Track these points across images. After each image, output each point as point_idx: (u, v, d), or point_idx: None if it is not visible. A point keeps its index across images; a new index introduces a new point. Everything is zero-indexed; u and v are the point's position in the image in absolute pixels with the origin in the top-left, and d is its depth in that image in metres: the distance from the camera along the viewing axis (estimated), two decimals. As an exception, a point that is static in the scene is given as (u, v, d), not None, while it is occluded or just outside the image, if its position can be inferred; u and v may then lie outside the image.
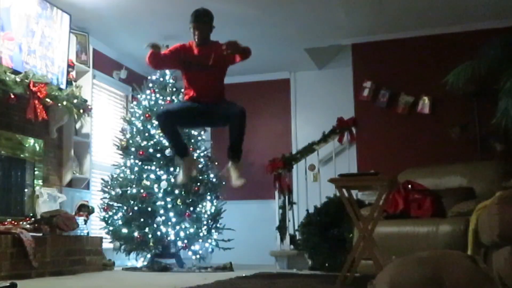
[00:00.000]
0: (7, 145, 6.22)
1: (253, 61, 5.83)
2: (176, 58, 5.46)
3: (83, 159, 7.53)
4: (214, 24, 5.59)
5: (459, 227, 4.96)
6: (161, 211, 7.03)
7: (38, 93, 6.20)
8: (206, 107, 5.34)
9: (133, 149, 7.37)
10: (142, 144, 7.33)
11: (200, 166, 7.32)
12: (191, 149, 7.24)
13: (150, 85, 7.73)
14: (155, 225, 7.03)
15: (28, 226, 5.79)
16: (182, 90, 5.97)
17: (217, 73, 5.50)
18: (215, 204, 7.48)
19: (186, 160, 5.42)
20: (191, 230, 7.13)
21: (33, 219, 6.07)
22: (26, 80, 6.07)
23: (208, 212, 7.38)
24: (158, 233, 7.02)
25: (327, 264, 6.72)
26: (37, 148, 6.67)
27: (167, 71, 7.75)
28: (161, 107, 5.85)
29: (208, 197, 7.42)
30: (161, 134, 7.28)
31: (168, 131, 5.37)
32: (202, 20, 5.52)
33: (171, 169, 7.21)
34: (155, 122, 7.38)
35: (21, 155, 6.46)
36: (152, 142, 7.32)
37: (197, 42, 5.47)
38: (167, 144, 7.24)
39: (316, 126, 8.54)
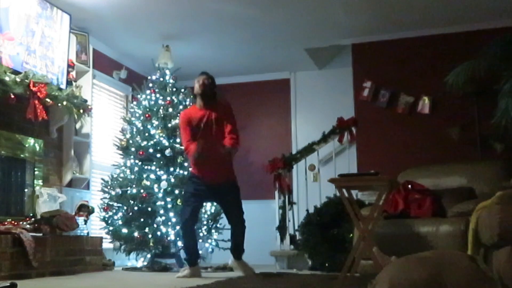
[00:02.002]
0: (7, 145, 6.22)
1: (253, 61, 5.86)
2: (191, 125, 5.90)
3: (83, 159, 7.53)
4: (216, 25, 5.64)
5: (459, 227, 4.96)
6: (161, 211, 7.03)
7: (38, 93, 6.19)
8: (214, 189, 5.87)
9: (133, 149, 7.36)
10: (142, 144, 7.32)
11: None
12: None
13: (150, 85, 7.73)
14: (155, 225, 7.03)
15: (28, 226, 5.79)
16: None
17: (222, 132, 5.89)
18: (215, 204, 7.47)
19: (193, 269, 5.89)
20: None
21: (33, 219, 6.07)
22: (26, 80, 6.07)
23: (208, 212, 7.38)
24: (158, 233, 7.02)
25: (327, 264, 6.71)
26: (37, 148, 6.67)
27: (167, 72, 7.75)
28: (182, 216, 6.08)
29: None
30: (161, 134, 7.29)
31: (190, 237, 5.97)
32: (207, 74, 6.00)
33: (171, 169, 7.21)
34: (155, 122, 7.39)
35: (21, 155, 6.46)
36: (152, 142, 7.31)
37: (202, 95, 5.90)
38: (167, 144, 7.25)
39: (316, 126, 8.54)
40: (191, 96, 7.47)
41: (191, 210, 5.88)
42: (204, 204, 7.14)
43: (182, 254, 7.40)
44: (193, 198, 5.91)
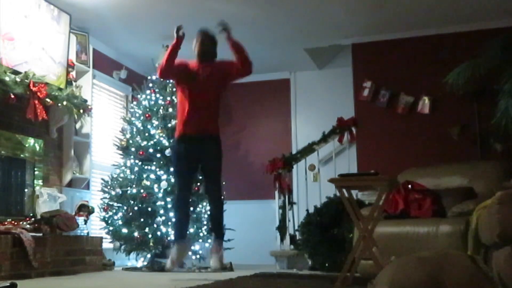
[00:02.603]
0: (7, 145, 6.22)
1: (253, 61, 5.83)
2: (181, 71, 5.65)
3: (83, 159, 7.53)
4: (216, 25, 5.62)
5: (459, 227, 4.95)
6: (161, 211, 7.03)
7: (38, 93, 6.19)
8: (197, 148, 5.57)
9: (133, 149, 7.36)
10: (142, 144, 7.33)
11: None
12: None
13: (150, 85, 7.73)
14: (155, 225, 7.03)
15: (28, 226, 5.79)
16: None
17: (215, 95, 5.72)
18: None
19: (181, 244, 5.62)
20: (191, 230, 7.12)
21: (33, 219, 6.06)
22: (26, 80, 6.07)
23: (208, 212, 7.37)
24: (158, 233, 7.02)
25: (327, 264, 6.72)
26: (37, 148, 6.67)
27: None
28: (175, 192, 5.93)
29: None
30: (161, 134, 7.29)
31: (183, 212, 5.72)
32: (208, 33, 5.75)
33: (171, 169, 7.21)
34: (155, 122, 7.39)
35: (21, 155, 6.46)
36: (152, 142, 7.31)
37: (199, 57, 5.67)
38: (167, 144, 7.25)
39: (316, 126, 8.55)
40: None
41: (183, 180, 5.72)
42: (200, 206, 7.13)
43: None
44: (184, 166, 5.69)
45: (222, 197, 5.88)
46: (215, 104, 5.74)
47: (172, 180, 7.07)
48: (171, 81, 7.72)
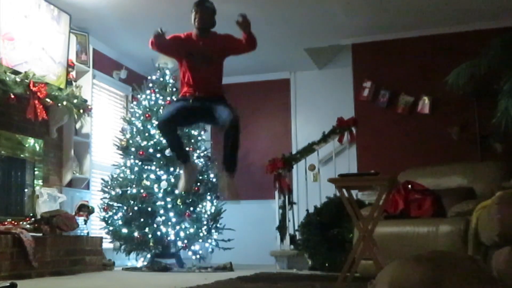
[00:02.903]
0: (7, 145, 6.22)
1: (253, 61, 5.84)
2: (176, 46, 5.40)
3: (83, 159, 7.53)
4: (216, 25, 5.53)
5: (459, 227, 4.96)
6: (161, 211, 7.03)
7: (38, 93, 6.20)
8: (202, 104, 5.27)
9: (133, 149, 7.36)
10: (142, 144, 7.33)
11: (200, 166, 7.31)
12: (190, 149, 7.25)
13: (150, 85, 7.73)
14: (155, 225, 7.03)
15: (28, 226, 5.80)
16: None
17: (216, 65, 5.44)
18: (215, 204, 7.48)
19: (188, 166, 5.36)
20: (191, 230, 7.13)
21: (33, 219, 6.07)
22: (26, 80, 6.07)
23: (208, 212, 7.38)
24: (158, 233, 7.02)
25: (327, 264, 6.72)
26: (37, 148, 6.67)
27: (167, 72, 7.75)
28: (160, 116, 5.68)
29: (208, 197, 7.42)
30: (161, 135, 7.29)
31: (169, 138, 5.36)
32: (205, 5, 5.47)
33: (171, 169, 7.21)
34: (155, 122, 7.39)
35: (21, 155, 6.46)
36: (152, 142, 7.32)
37: (198, 29, 5.38)
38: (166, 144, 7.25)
39: (316, 126, 8.55)
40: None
41: (172, 110, 5.34)
42: (200, 206, 7.09)
43: (182, 254, 7.42)
44: (178, 105, 5.35)
45: (239, 129, 5.26)
46: (218, 74, 5.47)
47: (172, 180, 7.07)
48: (171, 81, 7.73)
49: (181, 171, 5.45)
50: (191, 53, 5.36)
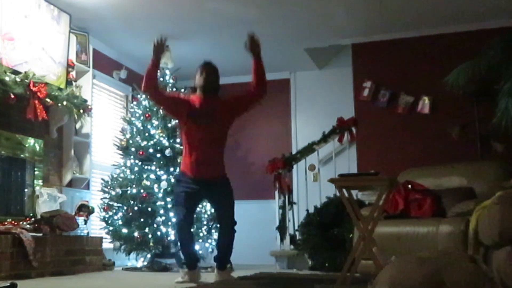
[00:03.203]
0: (7, 145, 6.22)
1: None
2: (176, 103, 5.40)
3: (83, 159, 7.54)
4: (216, 25, 5.52)
5: (459, 227, 4.95)
6: (161, 211, 7.03)
7: (38, 93, 6.20)
8: (206, 186, 5.28)
9: (133, 149, 7.36)
10: (142, 144, 7.32)
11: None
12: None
13: (150, 85, 7.71)
14: (155, 225, 7.03)
15: (28, 226, 5.80)
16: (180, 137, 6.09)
17: (220, 128, 5.38)
18: (214, 204, 7.47)
19: (193, 273, 5.38)
20: (191, 230, 7.12)
21: (33, 219, 6.07)
22: (26, 80, 6.08)
23: (208, 212, 7.38)
24: (158, 233, 7.02)
25: (327, 264, 6.72)
26: (37, 148, 6.67)
27: (167, 72, 7.75)
28: (176, 218, 5.58)
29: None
30: (161, 134, 7.29)
31: (185, 241, 5.42)
32: (212, 66, 5.50)
33: (171, 169, 7.21)
34: (155, 122, 7.39)
35: (21, 155, 6.45)
36: (152, 142, 7.31)
37: (204, 87, 5.36)
38: (167, 144, 7.25)
39: (316, 126, 8.54)
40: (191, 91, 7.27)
41: (185, 210, 5.30)
42: (200, 206, 7.07)
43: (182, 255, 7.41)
44: (186, 198, 5.30)
45: (235, 226, 5.45)
46: (221, 142, 5.45)
47: (172, 180, 7.07)
48: (171, 81, 7.72)
49: (186, 272, 5.38)
50: (192, 112, 5.30)
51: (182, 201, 5.32)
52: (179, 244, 5.81)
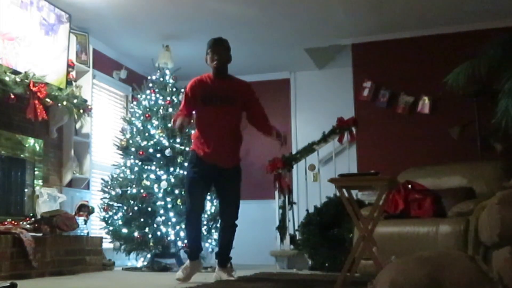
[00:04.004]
0: (7, 145, 6.22)
1: (253, 61, 5.82)
2: (195, 96, 5.21)
3: (83, 159, 7.54)
4: (216, 25, 5.49)
5: (459, 227, 4.96)
6: (161, 211, 7.03)
7: (38, 93, 6.20)
8: (216, 173, 5.21)
9: (133, 149, 7.36)
10: (142, 144, 7.32)
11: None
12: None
13: (150, 85, 7.72)
14: (155, 225, 7.02)
15: (28, 226, 5.79)
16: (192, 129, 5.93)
17: (235, 111, 5.28)
18: (215, 204, 7.46)
19: (195, 263, 5.30)
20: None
21: (33, 219, 6.07)
22: (26, 80, 6.08)
23: (208, 212, 7.37)
24: (158, 233, 7.02)
25: (327, 264, 6.72)
26: (37, 148, 6.67)
27: (167, 72, 7.75)
28: (187, 206, 5.38)
29: (208, 197, 7.40)
30: (161, 134, 7.28)
31: (194, 228, 5.32)
32: (222, 44, 5.33)
33: (171, 169, 7.21)
34: (155, 122, 7.38)
35: (21, 155, 6.46)
36: (152, 142, 7.31)
37: (217, 68, 5.22)
38: (167, 144, 7.24)
39: (316, 126, 8.53)
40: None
41: (197, 197, 5.21)
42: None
43: (182, 254, 7.41)
44: (198, 183, 5.20)
45: (236, 224, 5.46)
46: (237, 126, 5.36)
47: (172, 180, 7.07)
48: (171, 81, 7.73)
49: (187, 264, 5.30)
50: (206, 96, 5.17)
51: (194, 186, 5.22)
52: (185, 231, 5.79)
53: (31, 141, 6.58)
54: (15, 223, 5.75)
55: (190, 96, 5.26)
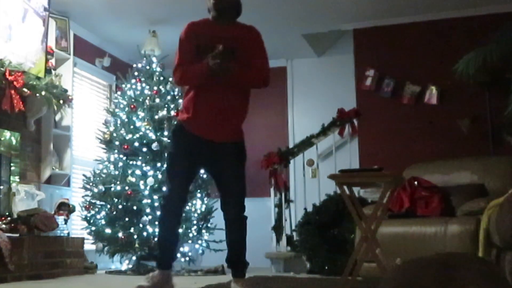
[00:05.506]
0: (-20, 139, 6.21)
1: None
2: (192, 44, 4.31)
3: (63, 154, 7.52)
4: (205, 9, 4.82)
5: (469, 227, 4.97)
6: (148, 210, 7.03)
7: (15, 83, 6.17)
8: (212, 150, 4.30)
9: (117, 142, 7.35)
10: (127, 138, 7.31)
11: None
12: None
13: (136, 73, 7.71)
14: (141, 225, 7.02)
15: (4, 226, 5.79)
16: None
17: (239, 67, 4.27)
18: (205, 202, 7.47)
19: (165, 274, 4.35)
20: (180, 231, 7.12)
21: (9, 218, 6.06)
22: (2, 69, 6.05)
23: (198, 211, 7.37)
24: (144, 233, 7.02)
25: (326, 267, 6.74)
26: (14, 141, 6.65)
27: (154, 59, 7.73)
28: (164, 192, 4.77)
29: (198, 195, 7.41)
30: (147, 127, 7.28)
31: (168, 226, 4.40)
32: None
33: (158, 164, 7.21)
34: (141, 114, 7.37)
35: (-4, 150, 6.45)
36: (137, 135, 7.30)
37: (217, 10, 4.30)
38: (154, 137, 7.23)
39: (314, 118, 8.54)
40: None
41: (178, 182, 4.31)
42: (190, 204, 7.05)
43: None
44: (181, 162, 4.29)
45: (245, 217, 4.63)
46: (240, 88, 4.42)
47: (160, 176, 7.06)
48: (158, 69, 7.71)
49: (154, 273, 4.37)
50: (209, 44, 4.21)
51: (176, 165, 4.35)
52: (158, 227, 4.84)
53: (7, 134, 6.56)
54: (-10, 223, 5.75)
55: (189, 41, 4.37)
